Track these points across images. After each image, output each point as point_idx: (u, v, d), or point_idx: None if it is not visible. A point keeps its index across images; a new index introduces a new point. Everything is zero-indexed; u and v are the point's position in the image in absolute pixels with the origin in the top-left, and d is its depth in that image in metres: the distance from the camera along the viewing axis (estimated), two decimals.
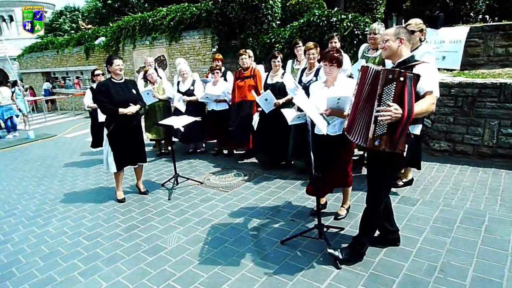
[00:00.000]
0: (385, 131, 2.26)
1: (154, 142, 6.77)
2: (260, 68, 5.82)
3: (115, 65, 4.20)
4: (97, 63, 13.33)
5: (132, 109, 4.29)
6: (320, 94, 3.23)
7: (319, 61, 4.47)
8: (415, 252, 2.89)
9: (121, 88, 4.29)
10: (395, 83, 2.20)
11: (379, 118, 2.23)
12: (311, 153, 2.98)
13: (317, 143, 3.20)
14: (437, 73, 2.47)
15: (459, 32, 5.96)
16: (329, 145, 3.24)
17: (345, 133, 2.61)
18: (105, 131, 4.39)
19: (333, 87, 3.21)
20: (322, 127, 2.88)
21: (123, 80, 4.37)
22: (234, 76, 5.67)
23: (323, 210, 3.71)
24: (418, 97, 2.34)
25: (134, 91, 4.43)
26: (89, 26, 18.28)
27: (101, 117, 5.78)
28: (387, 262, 2.80)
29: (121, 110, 4.21)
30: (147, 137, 6.54)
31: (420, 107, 2.28)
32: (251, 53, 5.94)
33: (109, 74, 4.35)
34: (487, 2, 7.33)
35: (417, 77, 2.24)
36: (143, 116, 6.55)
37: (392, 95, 2.21)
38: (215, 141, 6.43)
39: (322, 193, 3.53)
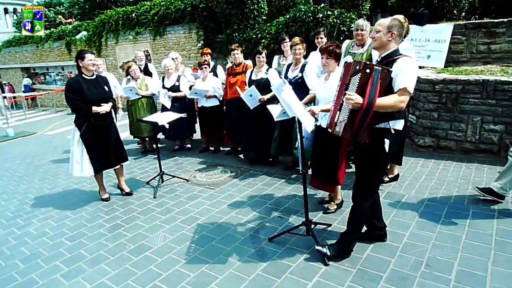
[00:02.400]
0: (345, 118, 2.34)
1: (138, 139, 6.64)
2: (249, 63, 5.76)
3: (87, 59, 3.93)
4: None
5: (106, 107, 4.08)
6: (320, 87, 3.35)
7: (305, 57, 4.45)
8: (401, 247, 2.92)
9: (93, 85, 4.03)
10: (360, 74, 2.26)
11: (344, 104, 2.32)
12: (299, 148, 2.99)
13: (316, 135, 3.39)
14: (417, 68, 2.47)
15: (444, 32, 6.06)
16: (324, 138, 3.30)
17: (328, 129, 2.61)
18: (77, 132, 4.11)
19: (327, 81, 3.27)
20: (308, 125, 2.83)
21: (94, 77, 4.10)
22: (226, 72, 5.56)
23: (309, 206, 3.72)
24: (392, 92, 2.35)
25: (106, 88, 4.17)
26: (69, 20, 17.78)
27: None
28: (374, 258, 2.81)
29: (94, 108, 3.97)
30: (131, 134, 6.42)
31: (384, 101, 2.28)
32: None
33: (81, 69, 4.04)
34: (470, 0, 7.47)
35: (387, 71, 2.26)
36: (126, 113, 6.42)
37: (357, 85, 2.28)
38: (201, 137, 6.35)
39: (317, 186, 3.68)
